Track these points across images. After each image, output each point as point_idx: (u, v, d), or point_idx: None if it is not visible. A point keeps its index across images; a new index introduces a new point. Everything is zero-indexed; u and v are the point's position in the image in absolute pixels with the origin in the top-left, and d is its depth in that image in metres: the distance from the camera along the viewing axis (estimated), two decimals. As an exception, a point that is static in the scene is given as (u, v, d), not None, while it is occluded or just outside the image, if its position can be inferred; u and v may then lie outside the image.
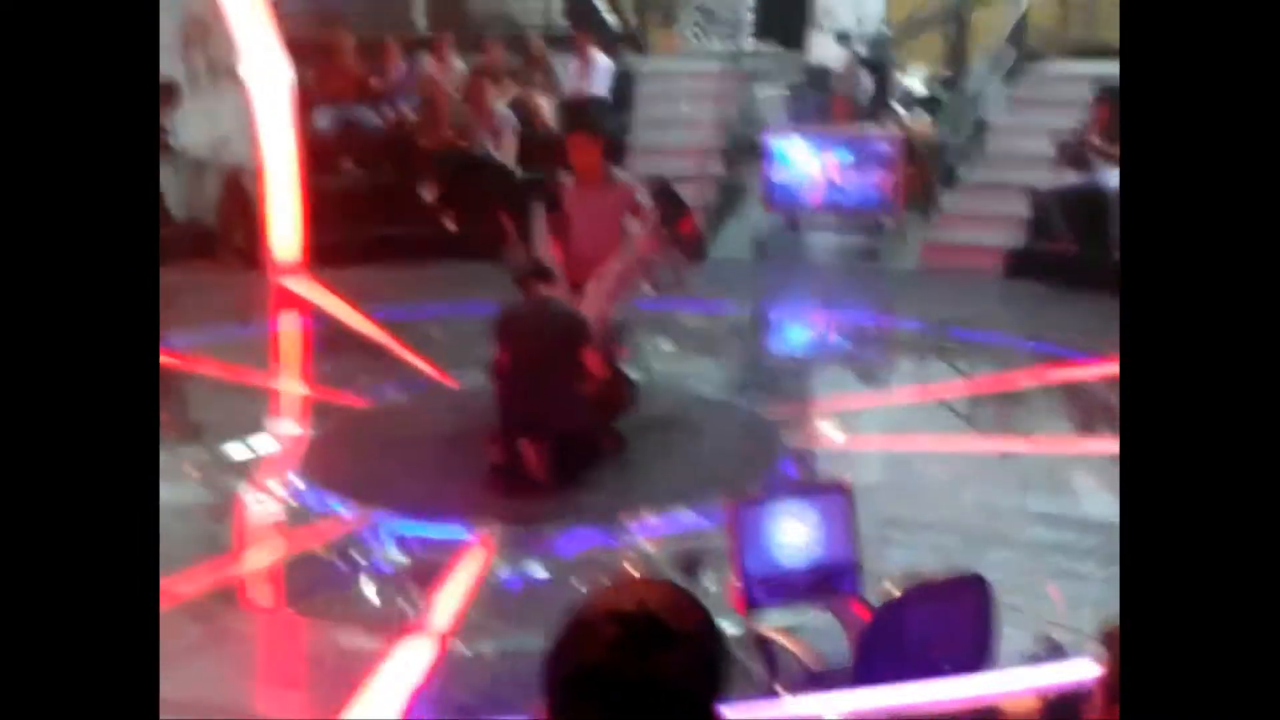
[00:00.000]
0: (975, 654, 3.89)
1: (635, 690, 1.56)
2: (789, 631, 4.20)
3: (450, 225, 10.84)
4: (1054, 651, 4.48)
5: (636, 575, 1.79)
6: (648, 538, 5.98)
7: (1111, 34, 11.99)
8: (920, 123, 12.48)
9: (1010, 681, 3.67)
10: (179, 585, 5.44)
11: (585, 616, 1.63)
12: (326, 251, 10.17)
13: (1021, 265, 10.46)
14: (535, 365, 6.31)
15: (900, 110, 12.63)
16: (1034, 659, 4.29)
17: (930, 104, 12.97)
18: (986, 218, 10.90)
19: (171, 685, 4.65)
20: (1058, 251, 10.24)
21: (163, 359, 7.96)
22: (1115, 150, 9.86)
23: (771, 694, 3.95)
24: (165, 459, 6.71)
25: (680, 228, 8.36)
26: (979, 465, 7.15)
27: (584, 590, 4.30)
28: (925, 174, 11.59)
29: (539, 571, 5.72)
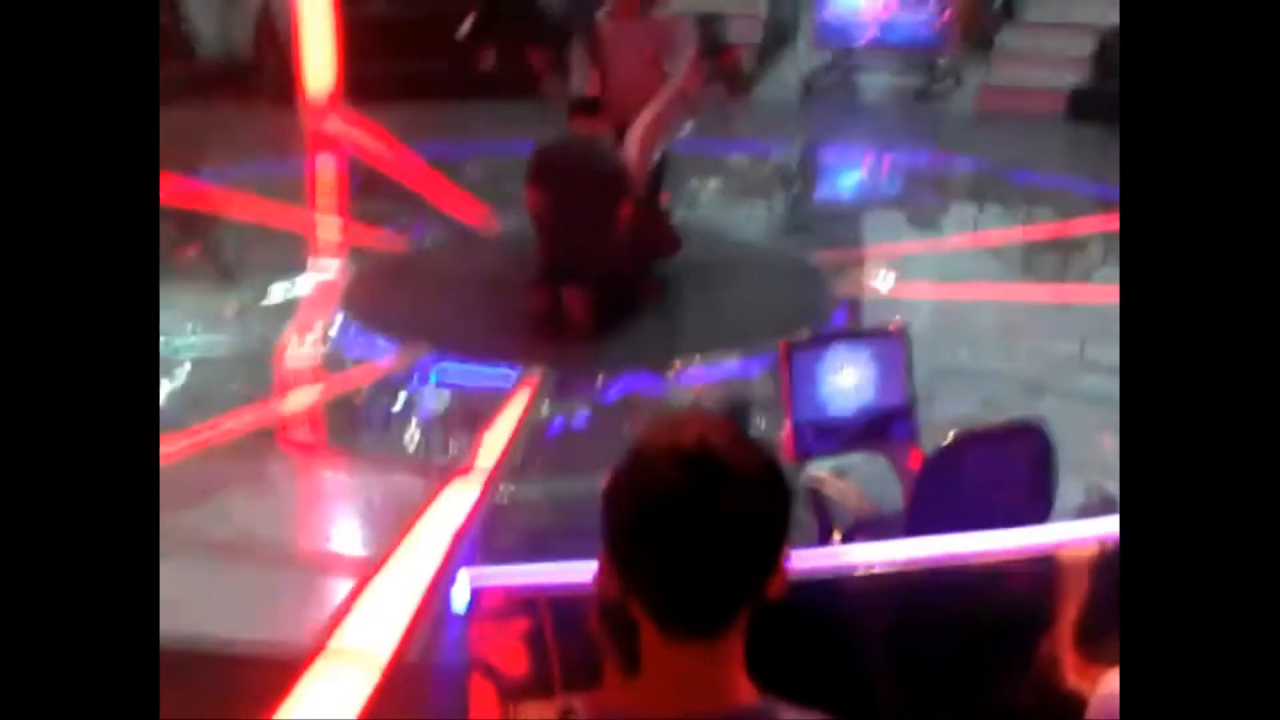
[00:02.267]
0: (1032, 502, 3.78)
1: (698, 529, 1.49)
2: (842, 477, 4.10)
3: (487, 61, 10.56)
4: (1107, 502, 4.38)
5: (692, 412, 1.69)
6: (693, 384, 5.87)
7: None
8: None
9: (1067, 531, 3.56)
10: (221, 425, 5.41)
11: (645, 453, 1.53)
12: (362, 86, 9.92)
13: (1085, 106, 10.11)
14: (575, 211, 6.15)
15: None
16: (1088, 510, 4.20)
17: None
18: (1048, 56, 10.50)
19: (215, 522, 4.73)
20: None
21: (198, 196, 7.95)
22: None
23: (824, 540, 3.87)
24: (203, 301, 6.77)
25: (724, 64, 8.12)
26: (1035, 313, 6.97)
27: (627, 435, 4.22)
28: (982, 9, 11.14)
29: (582, 416, 5.64)
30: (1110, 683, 2.39)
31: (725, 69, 7.54)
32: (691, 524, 1.48)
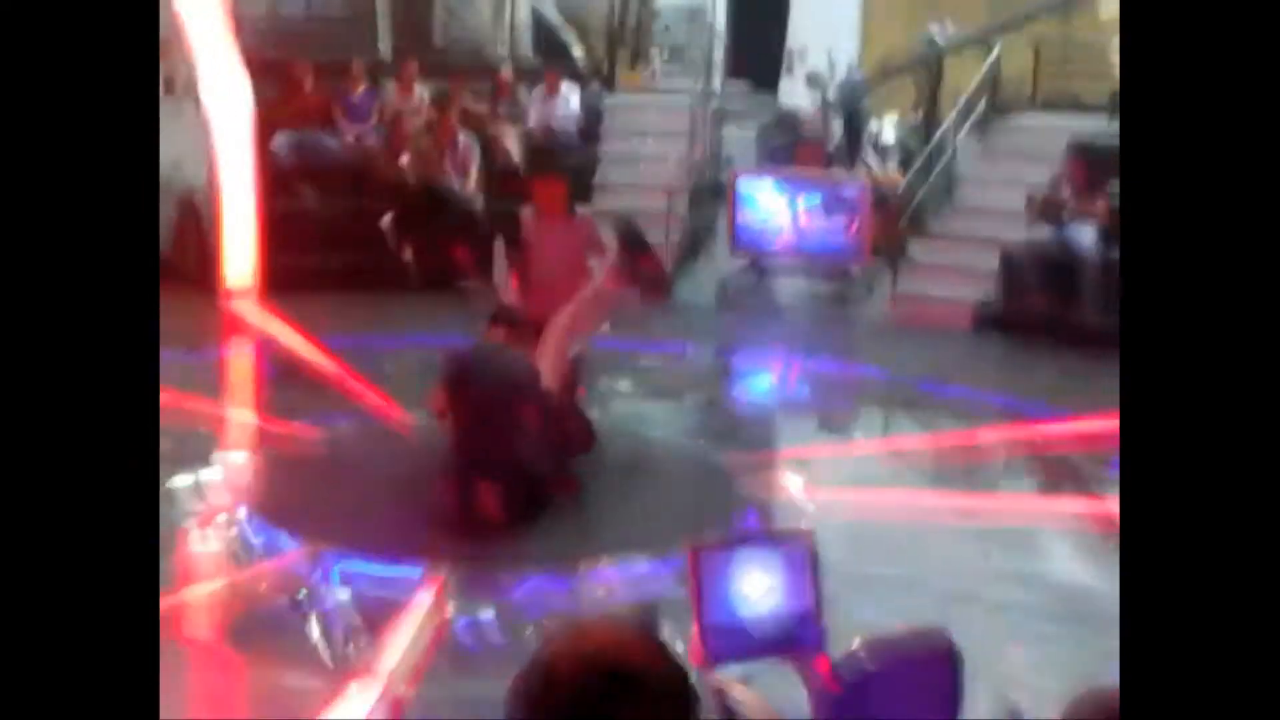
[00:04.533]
0: (940, 714, 3.74)
1: None
2: (748, 684, 4.03)
3: (408, 256, 10.67)
4: (1016, 717, 4.34)
5: (601, 619, 1.67)
6: (603, 584, 5.80)
7: (1084, 87, 12.02)
8: (890, 171, 12.46)
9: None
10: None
11: (550, 662, 1.53)
12: (281, 278, 9.94)
13: (991, 320, 10.41)
14: (487, 411, 6.16)
15: (871, 158, 12.62)
16: (999, 725, 4.16)
17: (901, 153, 12.95)
18: (956, 270, 10.86)
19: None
20: (1027, 307, 10.20)
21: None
22: (1087, 206, 9.85)
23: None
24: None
25: (643, 266, 8.29)
26: (944, 521, 7.01)
27: (536, 640, 4.14)
28: (894, 223, 11.54)
29: (491, 619, 5.53)
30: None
31: (645, 271, 7.68)
32: None
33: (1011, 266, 10.42)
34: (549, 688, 1.50)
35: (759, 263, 11.50)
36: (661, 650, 1.56)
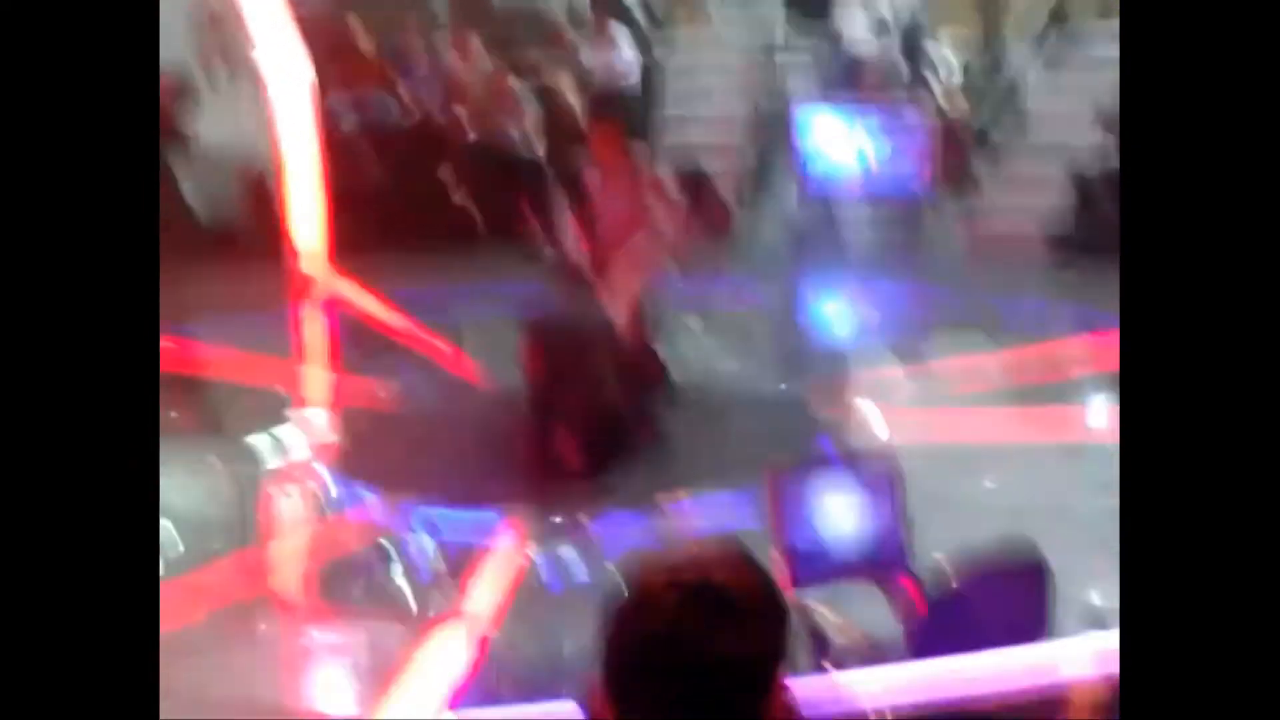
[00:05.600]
0: (1032, 633, 3.71)
1: (697, 661, 1.47)
2: (834, 607, 4.04)
3: (472, 210, 10.71)
4: (1101, 627, 4.31)
5: (690, 543, 1.67)
6: (683, 518, 5.82)
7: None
8: (957, 104, 12.25)
9: (1071, 659, 3.49)
10: (207, 579, 5.34)
11: (644, 585, 1.53)
12: (350, 246, 10.04)
13: (1064, 248, 10.24)
14: (561, 358, 6.19)
15: (935, 84, 12.39)
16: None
17: (965, 76, 12.72)
18: (1025, 188, 10.68)
19: (197, 677, 4.62)
20: (1099, 222, 10.00)
21: (186, 351, 7.97)
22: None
23: (817, 670, 3.79)
24: (188, 452, 6.73)
25: (706, 204, 8.25)
26: (1023, 438, 6.95)
27: (618, 575, 4.17)
28: (963, 155, 11.37)
29: (572, 556, 5.57)
30: None
31: (708, 209, 7.65)
32: (691, 655, 1.47)
33: (1084, 194, 10.24)
34: (641, 611, 1.50)
35: (827, 198, 11.37)
36: (752, 568, 1.55)
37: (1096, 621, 4.35)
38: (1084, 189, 10.30)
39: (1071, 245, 10.11)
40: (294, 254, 10.09)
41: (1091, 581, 4.89)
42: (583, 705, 2.26)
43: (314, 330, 9.30)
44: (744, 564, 1.54)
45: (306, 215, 10.15)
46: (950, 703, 3.17)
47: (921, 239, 10.96)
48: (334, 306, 9.29)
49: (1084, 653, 3.43)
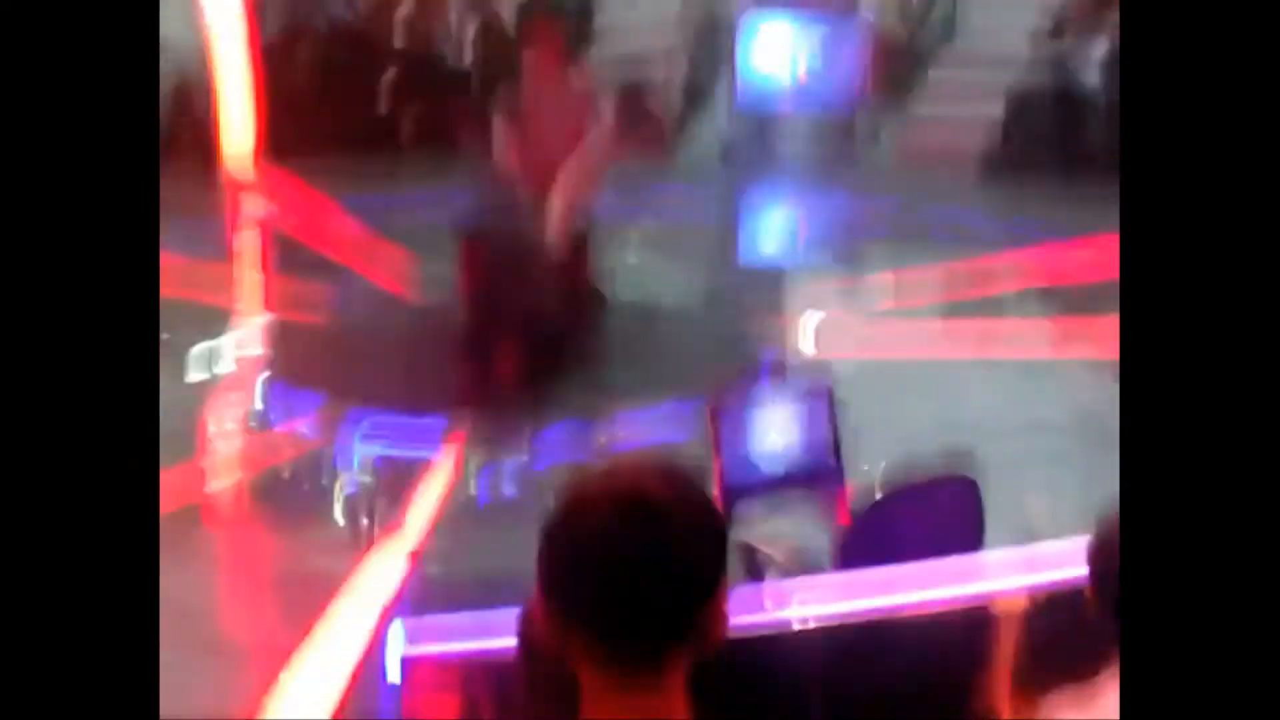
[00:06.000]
0: (962, 553, 3.78)
1: (633, 569, 1.49)
2: (770, 534, 4.10)
3: (405, 120, 10.56)
4: (1033, 539, 4.40)
5: (627, 456, 1.67)
6: (621, 431, 5.85)
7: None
8: (894, 14, 12.16)
9: (998, 577, 3.57)
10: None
11: (578, 496, 1.55)
12: (282, 150, 9.86)
13: (996, 164, 10.27)
14: (498, 271, 6.16)
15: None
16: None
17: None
18: (961, 115, 10.68)
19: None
20: (1033, 150, 10.03)
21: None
22: (1093, 26, 9.64)
23: (753, 599, 3.84)
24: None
25: (644, 127, 8.19)
26: (958, 361, 7.03)
27: (557, 487, 4.20)
28: (899, 66, 11.32)
29: (511, 469, 5.59)
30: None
31: (648, 138, 7.58)
32: (627, 564, 1.49)
33: (1017, 111, 10.25)
34: (577, 524, 1.51)
35: (763, 114, 11.29)
36: (688, 484, 1.56)
37: (1028, 534, 4.46)
38: (1019, 101, 10.32)
39: (1006, 158, 10.16)
40: (226, 157, 9.92)
41: (1024, 495, 5.01)
42: (520, 620, 2.28)
43: (248, 237, 9.17)
44: (677, 478, 1.55)
45: (238, 118, 9.96)
46: (873, 611, 3.23)
47: (857, 151, 10.94)
48: (270, 212, 9.16)
49: (1009, 563, 3.52)
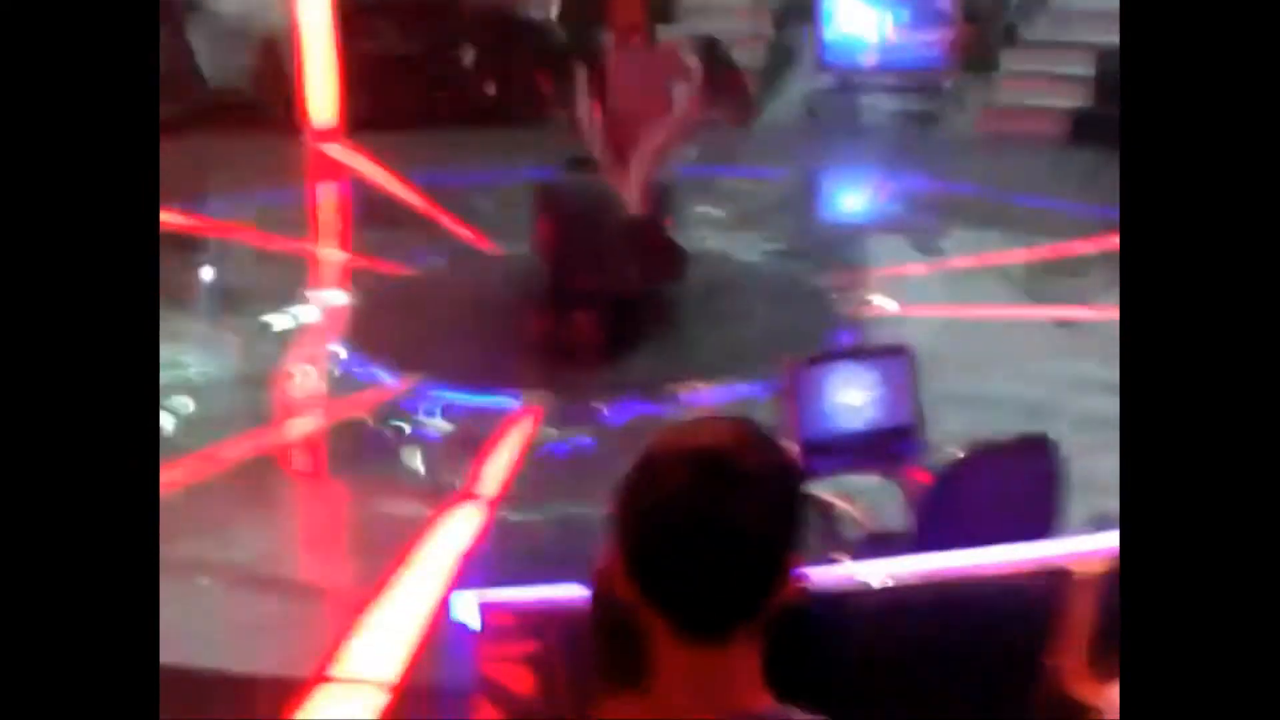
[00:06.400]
0: (1040, 518, 3.74)
1: (709, 530, 1.47)
2: (848, 496, 4.07)
3: (490, 89, 10.59)
4: (1108, 525, 4.33)
5: (706, 418, 1.64)
6: (699, 407, 5.84)
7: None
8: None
9: (1075, 546, 3.52)
10: (223, 452, 5.39)
11: (657, 455, 1.51)
12: (364, 117, 9.95)
13: (1086, 129, 10.06)
14: (582, 238, 6.17)
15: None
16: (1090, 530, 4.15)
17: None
18: (1050, 79, 10.49)
19: (215, 549, 4.70)
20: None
21: (200, 226, 7.96)
22: None
23: (829, 559, 3.82)
24: (206, 328, 6.76)
25: (728, 90, 8.14)
26: (1038, 335, 6.93)
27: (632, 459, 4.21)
28: (985, 32, 11.15)
29: (588, 443, 5.61)
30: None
31: (730, 93, 7.55)
32: (703, 524, 1.46)
33: (1109, 71, 10.02)
34: (653, 483, 1.49)
35: (847, 80, 11.22)
36: (768, 445, 1.53)
37: (1104, 522, 4.39)
38: (1105, 86, 10.11)
39: (1090, 142, 9.96)
40: (310, 130, 10.05)
41: (1101, 483, 4.92)
42: (595, 582, 2.29)
43: (329, 207, 9.29)
44: (757, 439, 1.53)
45: (322, 89, 10.08)
46: (948, 571, 3.19)
47: (943, 127, 10.82)
48: (350, 184, 9.27)
49: (1089, 549, 3.46)
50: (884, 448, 4.09)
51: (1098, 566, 3.24)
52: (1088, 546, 3.48)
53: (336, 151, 9.80)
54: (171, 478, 4.80)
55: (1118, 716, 2.29)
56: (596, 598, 2.27)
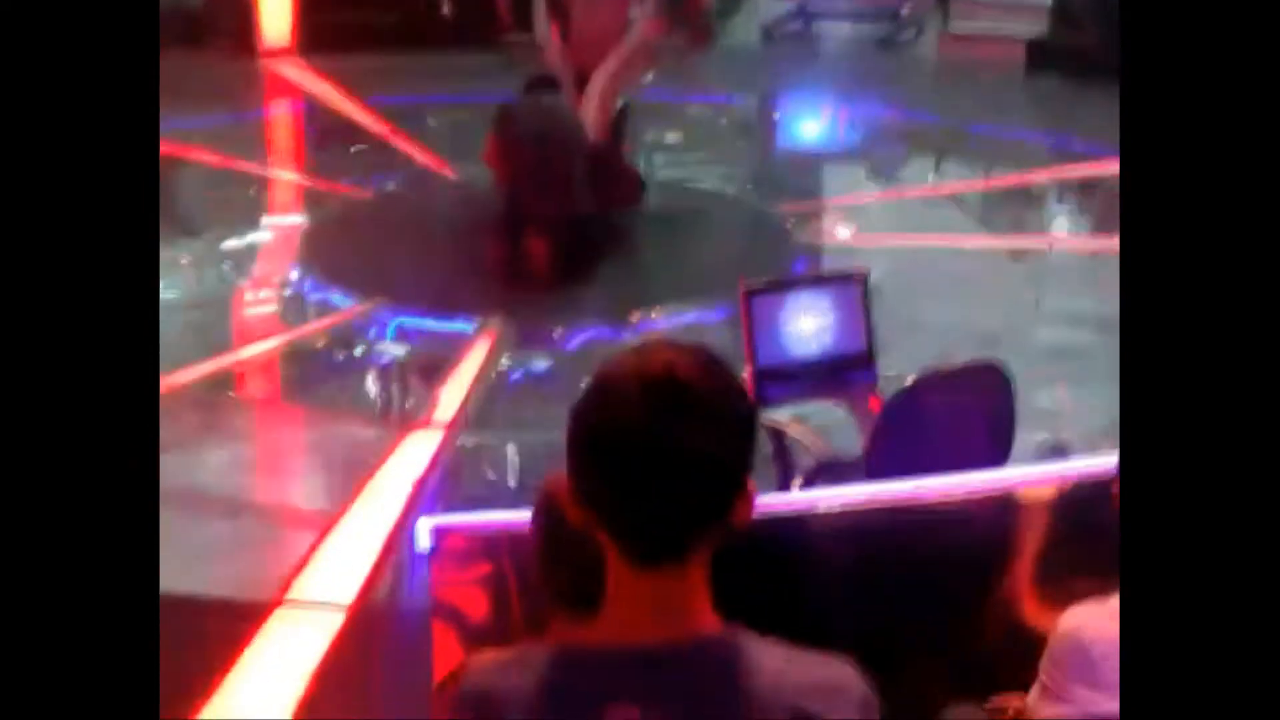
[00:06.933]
0: (992, 442, 3.79)
1: (661, 454, 1.48)
2: (802, 422, 4.10)
3: (446, 10, 10.44)
4: (1059, 453, 4.40)
5: (659, 341, 1.63)
6: (656, 333, 5.86)
7: None
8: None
9: (1026, 472, 3.57)
10: (176, 377, 5.35)
11: (609, 380, 1.52)
12: (318, 36, 9.79)
13: (1043, 57, 10.06)
14: (534, 163, 6.12)
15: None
16: (1042, 458, 4.22)
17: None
18: (1007, 5, 10.46)
19: (169, 473, 4.66)
20: (1081, 42, 9.82)
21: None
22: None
23: (785, 485, 3.87)
24: (160, 254, 6.67)
25: (687, 13, 8.07)
26: (993, 264, 6.97)
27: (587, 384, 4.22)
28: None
29: (545, 369, 5.62)
30: (1069, 619, 2.40)
31: (688, 17, 7.48)
32: (654, 449, 1.47)
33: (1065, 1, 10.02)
34: (605, 408, 1.50)
35: (805, 4, 11.15)
36: (719, 367, 1.54)
37: (1054, 450, 4.46)
38: (1065, 11, 10.09)
39: (1047, 64, 9.95)
40: (264, 49, 9.88)
41: (1052, 411, 4.99)
42: (541, 495, 2.30)
43: (283, 127, 9.16)
44: (710, 364, 1.53)
45: (274, 7, 9.91)
46: (898, 497, 3.23)
47: (901, 54, 10.79)
48: (305, 107, 9.14)
49: (1039, 475, 3.51)
50: (838, 374, 4.12)
51: (1046, 493, 3.30)
52: (1037, 473, 3.54)
53: (290, 72, 9.65)
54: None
55: (1073, 633, 2.35)
56: (543, 519, 2.29)
